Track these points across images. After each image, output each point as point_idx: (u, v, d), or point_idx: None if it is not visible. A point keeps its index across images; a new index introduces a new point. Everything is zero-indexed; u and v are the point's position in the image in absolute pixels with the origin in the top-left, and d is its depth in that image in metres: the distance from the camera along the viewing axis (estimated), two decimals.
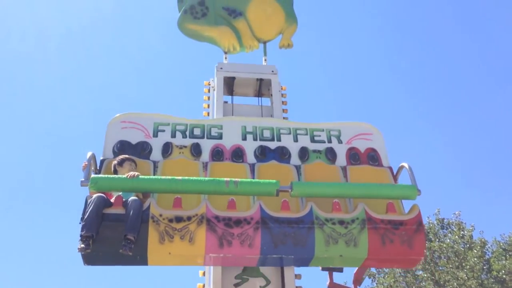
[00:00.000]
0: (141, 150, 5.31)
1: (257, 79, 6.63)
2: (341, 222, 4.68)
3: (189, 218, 4.50)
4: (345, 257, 4.68)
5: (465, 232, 16.29)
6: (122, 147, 5.29)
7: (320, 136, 5.74)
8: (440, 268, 15.47)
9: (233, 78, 6.58)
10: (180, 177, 4.64)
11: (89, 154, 4.88)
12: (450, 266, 15.33)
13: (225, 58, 6.85)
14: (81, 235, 4.25)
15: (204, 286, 5.29)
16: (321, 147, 5.63)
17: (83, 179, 4.60)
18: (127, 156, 5.04)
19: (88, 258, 4.50)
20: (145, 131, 5.50)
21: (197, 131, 5.58)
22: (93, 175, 4.65)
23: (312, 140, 5.69)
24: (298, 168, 5.39)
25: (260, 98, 6.88)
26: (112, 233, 4.40)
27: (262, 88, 6.82)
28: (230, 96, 6.80)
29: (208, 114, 6.39)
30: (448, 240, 16.19)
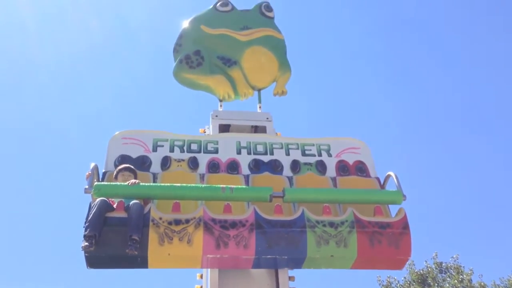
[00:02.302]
0: (141, 163, 5.61)
1: (252, 126, 6.69)
2: (331, 224, 4.95)
3: (187, 221, 4.77)
4: (336, 257, 4.92)
5: (464, 276, 16.23)
6: (123, 160, 5.59)
7: (310, 150, 6.07)
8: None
9: (228, 125, 6.65)
10: (178, 184, 4.95)
11: (92, 164, 5.19)
12: None
13: (220, 105, 6.87)
14: (84, 235, 4.50)
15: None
16: (311, 160, 5.95)
17: (87, 187, 4.89)
18: (127, 166, 5.33)
19: (91, 261, 4.73)
20: (144, 146, 5.82)
21: (194, 146, 5.90)
22: (96, 183, 4.94)
23: (303, 153, 6.01)
24: (290, 179, 5.70)
25: None
26: (115, 236, 4.65)
27: (258, 131, 6.74)
28: None
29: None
30: (447, 285, 16.17)
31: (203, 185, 5.15)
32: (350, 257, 4.94)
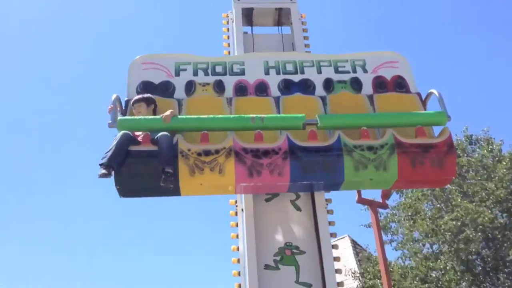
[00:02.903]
0: (165, 89, 5.28)
1: (276, 9, 6.50)
2: (370, 148, 4.63)
3: (217, 151, 4.51)
4: (375, 180, 4.68)
5: (494, 146, 15.95)
6: (145, 87, 5.27)
7: (344, 66, 5.61)
8: (468, 181, 15.37)
9: (252, 8, 6.44)
10: (206, 116, 4.65)
11: (113, 96, 4.90)
12: (479, 178, 15.19)
13: None
14: (100, 164, 4.33)
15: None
16: (346, 77, 5.51)
17: (110, 121, 4.64)
18: (137, 98, 5.02)
19: (124, 191, 4.64)
20: (166, 71, 5.45)
21: (219, 69, 5.51)
22: (120, 117, 4.67)
23: (336, 71, 5.57)
24: (323, 99, 5.30)
25: (280, 27, 6.76)
26: (145, 168, 4.50)
27: (281, 17, 6.72)
28: (250, 27, 6.68)
29: (229, 45, 6.32)
30: (477, 155, 15.98)
31: (232, 116, 4.82)
32: (390, 180, 4.70)
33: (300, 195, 5.25)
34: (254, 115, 4.67)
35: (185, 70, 5.47)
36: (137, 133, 4.74)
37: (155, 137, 4.53)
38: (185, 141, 4.58)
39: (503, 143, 16.21)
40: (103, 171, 4.28)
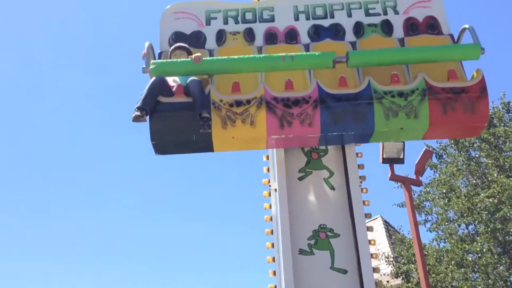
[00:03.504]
0: (196, 39, 5.35)
1: None
2: (401, 94, 4.65)
3: (248, 102, 4.62)
4: (405, 130, 4.71)
5: None
6: (177, 38, 5.35)
7: (375, 8, 5.51)
8: (505, 153, 14.54)
9: None
10: (236, 56, 4.74)
11: (147, 44, 5.02)
12: None
13: None
14: (136, 107, 4.47)
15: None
16: (376, 20, 5.43)
17: (144, 66, 4.77)
18: (178, 45, 5.12)
19: (159, 148, 4.81)
20: (197, 20, 5.50)
21: (249, 16, 5.51)
22: (153, 61, 4.81)
23: (367, 13, 5.48)
24: (353, 44, 5.27)
25: None
26: (179, 122, 4.65)
27: None
28: None
29: None
30: None
31: (262, 55, 4.89)
32: (421, 128, 4.70)
33: (333, 173, 5.13)
34: (283, 54, 4.70)
35: (215, 18, 5.51)
36: (171, 84, 4.89)
37: (187, 86, 4.66)
38: (217, 91, 4.71)
39: None
40: (137, 113, 4.41)
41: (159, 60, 4.89)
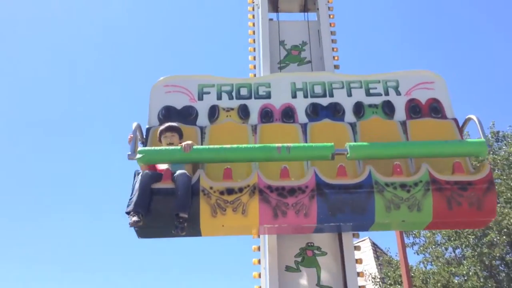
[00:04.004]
0: (187, 115, 5.08)
1: None
2: (403, 186, 4.35)
3: (240, 190, 4.30)
4: (407, 222, 4.40)
5: None
6: (168, 113, 5.09)
7: (376, 88, 5.30)
8: (494, 180, 14.85)
9: None
10: (229, 146, 4.42)
11: (134, 124, 4.71)
12: (504, 177, 14.66)
13: None
14: (126, 212, 4.16)
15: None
16: (377, 100, 5.20)
17: (130, 153, 4.46)
18: (168, 125, 4.82)
19: (141, 232, 4.45)
20: (189, 94, 5.25)
21: (243, 91, 5.27)
22: (140, 148, 4.50)
23: (368, 93, 5.27)
24: (353, 125, 5.03)
25: (306, 13, 6.71)
26: (163, 208, 4.29)
27: (308, 2, 6.68)
28: (276, 13, 6.65)
29: (254, 33, 6.29)
30: (503, 153, 15.37)
31: (257, 146, 4.57)
32: (424, 221, 4.41)
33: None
34: (280, 145, 4.41)
35: (208, 93, 5.26)
36: (160, 167, 4.58)
37: (174, 172, 4.35)
38: (207, 177, 4.38)
39: None
40: (134, 218, 4.08)
41: (146, 148, 4.57)
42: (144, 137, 4.92)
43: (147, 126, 5.02)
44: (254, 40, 6.34)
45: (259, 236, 5.22)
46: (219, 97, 5.23)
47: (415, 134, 4.95)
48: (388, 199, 4.30)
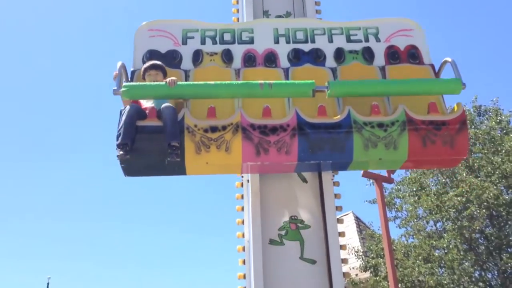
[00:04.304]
0: (171, 59, 5.14)
1: None
2: (380, 125, 4.52)
3: (224, 128, 4.43)
4: (384, 160, 4.60)
5: (503, 117, 15.86)
6: (152, 56, 5.13)
7: (356, 35, 5.41)
8: (474, 155, 15.20)
9: None
10: (213, 82, 4.53)
11: (119, 63, 4.77)
12: (485, 151, 15.13)
13: None
14: (117, 144, 4.27)
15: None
16: (358, 46, 5.32)
17: (115, 88, 4.53)
18: (152, 63, 4.89)
19: (128, 169, 4.57)
20: (173, 38, 5.30)
21: (227, 36, 5.34)
22: (124, 83, 4.58)
23: (348, 39, 5.37)
24: (334, 70, 5.15)
25: None
26: (150, 145, 4.41)
27: None
28: None
29: (237, 1, 6.19)
30: (484, 127, 15.85)
31: (239, 82, 4.69)
32: (400, 159, 4.60)
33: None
34: (262, 81, 4.51)
35: (192, 38, 5.32)
36: (144, 105, 4.67)
37: (160, 109, 4.45)
38: (192, 116, 4.50)
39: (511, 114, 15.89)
40: (120, 152, 4.22)
41: (131, 83, 4.64)
42: (129, 79, 4.99)
43: (132, 69, 5.07)
44: (237, 10, 6.31)
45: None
46: (203, 42, 5.29)
47: (393, 78, 5.10)
48: (366, 137, 4.48)
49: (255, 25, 5.46)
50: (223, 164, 4.52)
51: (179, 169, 4.55)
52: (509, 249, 14.29)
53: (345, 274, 4.93)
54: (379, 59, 5.26)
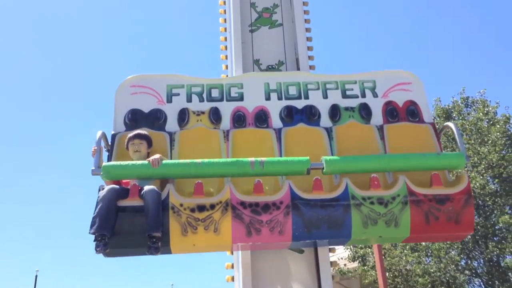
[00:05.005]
0: (155, 119, 4.79)
1: None
2: (380, 200, 4.21)
3: (212, 207, 4.09)
4: (384, 237, 4.30)
5: (490, 109, 15.97)
6: (134, 117, 4.79)
7: (352, 89, 5.10)
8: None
9: None
10: (200, 160, 4.17)
11: (98, 134, 4.40)
12: (472, 142, 15.28)
13: None
14: (93, 234, 3.90)
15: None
16: (354, 103, 5.01)
17: (93, 168, 4.18)
18: (136, 133, 4.53)
19: (108, 252, 4.19)
20: (157, 96, 4.95)
21: (215, 93, 5.00)
22: (104, 164, 4.21)
23: (344, 95, 5.06)
24: (329, 131, 4.84)
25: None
26: (131, 227, 4.05)
27: None
28: None
29: (224, 3, 6.15)
30: (472, 118, 16.00)
31: (229, 160, 4.33)
32: (401, 237, 4.30)
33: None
34: (253, 159, 4.17)
35: (178, 95, 4.97)
36: (125, 181, 4.32)
37: (141, 192, 4.10)
38: (177, 193, 4.15)
39: (498, 105, 16.12)
40: (98, 248, 3.86)
41: (111, 163, 4.27)
42: (110, 144, 4.63)
43: (112, 132, 4.72)
44: (224, 2, 6.18)
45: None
46: (189, 99, 4.95)
47: (392, 140, 4.80)
48: (365, 214, 4.17)
49: (244, 79, 5.12)
50: (211, 245, 4.19)
51: (164, 250, 4.19)
52: (494, 238, 14.43)
53: (333, 263, 5.00)
54: (377, 117, 4.96)
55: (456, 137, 4.56)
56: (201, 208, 4.08)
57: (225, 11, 6.25)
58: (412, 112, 4.98)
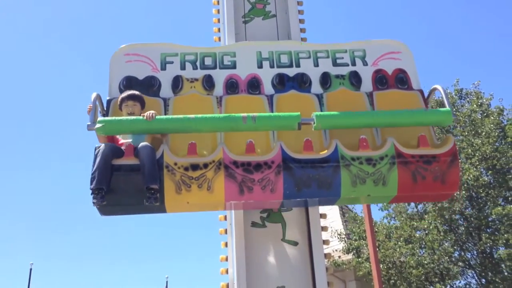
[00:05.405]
0: (149, 86, 4.89)
1: None
2: (369, 160, 4.33)
3: (205, 166, 4.20)
4: (373, 196, 4.42)
5: (484, 100, 15.95)
6: (129, 83, 4.88)
7: (343, 58, 5.21)
8: (456, 137, 15.20)
9: None
10: (193, 116, 4.28)
11: (93, 95, 4.50)
12: (466, 134, 15.30)
13: None
14: (91, 189, 4.02)
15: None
16: (344, 71, 5.12)
17: (89, 123, 4.27)
18: (130, 93, 4.63)
19: (104, 210, 4.31)
20: (152, 64, 5.04)
21: (208, 61, 5.10)
22: (99, 118, 4.32)
23: (334, 63, 5.17)
24: (320, 97, 4.95)
25: None
26: (127, 185, 4.17)
27: None
28: None
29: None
30: (465, 110, 15.97)
31: (221, 115, 4.45)
32: (388, 195, 4.43)
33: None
34: (245, 114, 4.28)
35: (171, 63, 5.07)
36: (121, 141, 4.43)
37: (136, 151, 4.20)
38: (171, 153, 4.27)
39: (492, 97, 16.14)
40: (95, 199, 3.98)
41: (106, 118, 4.37)
42: (105, 108, 4.73)
43: (107, 98, 4.81)
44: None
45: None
46: (183, 67, 5.05)
47: (381, 106, 4.90)
48: (354, 173, 4.29)
49: (237, 48, 5.22)
50: (205, 203, 4.31)
51: (159, 208, 4.31)
52: (488, 230, 14.50)
53: (327, 255, 5.10)
54: (367, 84, 5.07)
55: (444, 98, 4.67)
56: (195, 167, 4.19)
57: (218, 2, 6.27)
58: (401, 79, 5.10)
